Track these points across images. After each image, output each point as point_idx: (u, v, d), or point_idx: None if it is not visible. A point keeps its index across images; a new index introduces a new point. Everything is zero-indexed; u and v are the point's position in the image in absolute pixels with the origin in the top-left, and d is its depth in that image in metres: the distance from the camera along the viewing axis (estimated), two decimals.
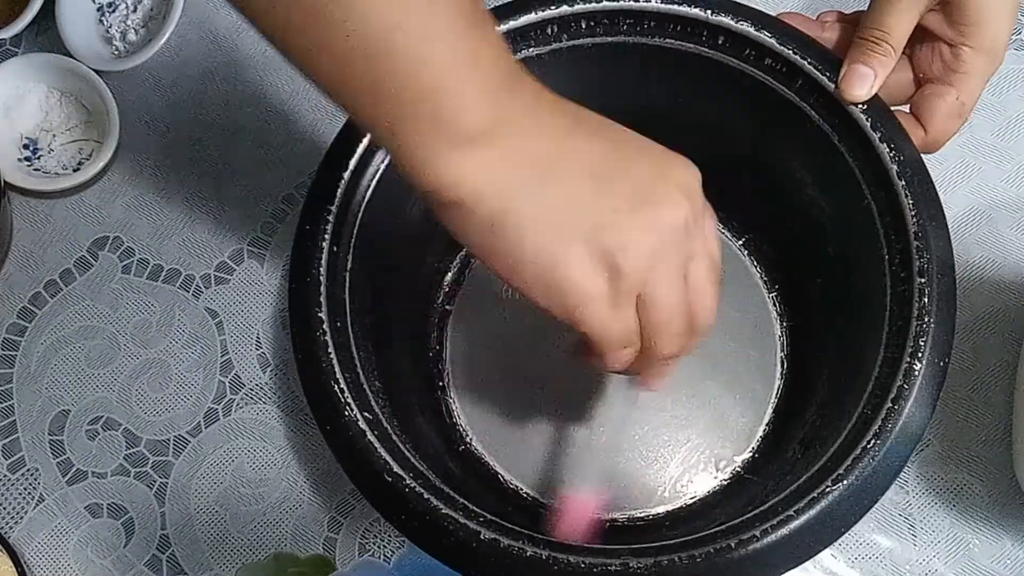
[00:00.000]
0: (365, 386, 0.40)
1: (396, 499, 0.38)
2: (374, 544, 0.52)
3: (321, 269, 0.41)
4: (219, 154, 0.59)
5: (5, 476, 0.55)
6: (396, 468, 0.38)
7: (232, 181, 0.59)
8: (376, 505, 0.39)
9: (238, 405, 0.55)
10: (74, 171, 0.58)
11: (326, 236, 0.41)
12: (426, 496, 0.37)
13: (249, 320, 0.56)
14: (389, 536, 0.52)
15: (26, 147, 0.60)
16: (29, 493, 0.54)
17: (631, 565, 0.35)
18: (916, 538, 0.50)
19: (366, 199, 0.43)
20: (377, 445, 0.38)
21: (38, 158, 0.60)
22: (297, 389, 0.54)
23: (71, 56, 0.59)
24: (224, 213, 0.58)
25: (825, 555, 0.50)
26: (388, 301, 0.48)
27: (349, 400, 0.39)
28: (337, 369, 0.40)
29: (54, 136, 0.60)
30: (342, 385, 0.39)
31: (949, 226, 0.55)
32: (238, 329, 0.56)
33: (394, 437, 0.39)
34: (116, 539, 0.53)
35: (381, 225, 0.45)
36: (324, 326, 0.40)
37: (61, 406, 0.55)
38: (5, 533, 0.53)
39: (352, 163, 0.42)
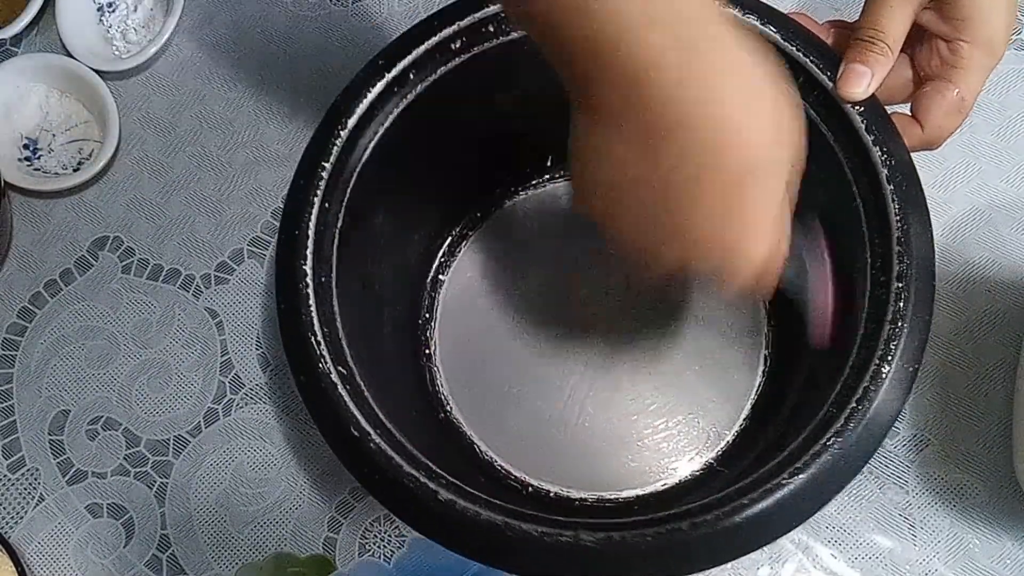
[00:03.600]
0: (343, 343, 0.41)
1: (361, 454, 0.38)
2: (374, 544, 0.52)
3: (310, 224, 0.41)
4: (219, 154, 0.59)
5: (5, 476, 0.55)
6: (364, 423, 0.39)
7: (232, 181, 0.59)
8: (341, 458, 0.39)
9: (238, 405, 0.55)
10: (74, 171, 0.59)
11: (318, 192, 0.42)
12: (390, 453, 0.38)
13: (249, 320, 0.56)
14: (389, 536, 0.52)
15: (26, 147, 0.60)
16: (29, 493, 0.54)
17: (582, 538, 0.36)
18: (916, 538, 0.50)
19: (364, 159, 0.43)
20: (348, 400, 0.39)
21: (38, 158, 0.60)
22: (298, 389, 0.54)
23: (71, 56, 0.59)
24: (224, 213, 0.58)
25: (825, 555, 0.50)
26: (379, 265, 0.48)
27: (324, 353, 0.40)
28: (316, 322, 0.40)
29: (54, 136, 0.60)
30: (319, 338, 0.40)
31: (949, 226, 0.55)
32: (238, 329, 0.56)
33: (366, 394, 0.40)
34: (116, 539, 0.53)
35: (378, 188, 0.45)
36: (307, 279, 0.41)
37: (61, 406, 0.56)
38: (5, 533, 0.53)
39: (351, 122, 0.43)
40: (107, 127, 0.58)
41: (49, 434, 0.55)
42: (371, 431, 0.38)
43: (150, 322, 0.57)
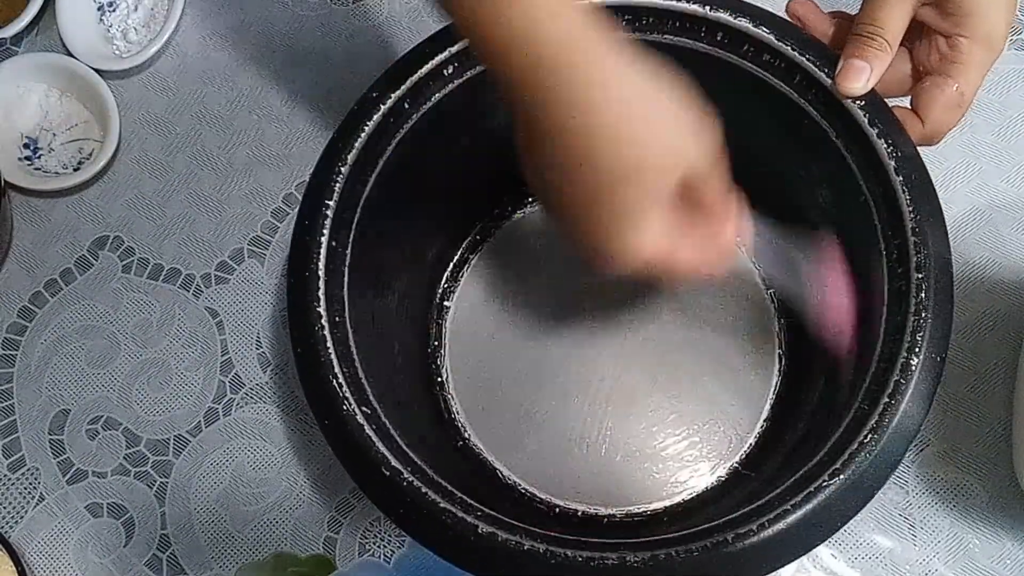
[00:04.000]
0: (363, 381, 0.41)
1: (394, 493, 0.38)
2: (374, 544, 0.52)
3: (320, 264, 0.41)
4: (219, 154, 0.59)
5: (5, 476, 0.55)
6: (394, 462, 0.38)
7: (232, 181, 0.59)
8: (374, 499, 0.39)
9: (238, 405, 0.55)
10: (74, 171, 0.59)
11: (325, 231, 0.42)
12: (424, 490, 0.38)
13: (249, 320, 0.56)
14: (389, 536, 0.52)
15: (26, 146, 0.60)
16: (29, 493, 0.54)
17: (628, 559, 0.36)
18: (916, 538, 0.50)
19: (366, 193, 0.43)
20: (375, 439, 0.39)
21: (38, 157, 0.60)
22: (297, 389, 0.54)
23: (71, 56, 0.59)
24: (224, 213, 0.58)
25: (825, 555, 0.50)
26: (387, 296, 0.48)
27: (347, 395, 0.39)
28: (336, 364, 0.40)
29: (54, 136, 0.60)
30: (340, 380, 0.40)
31: (949, 226, 0.55)
32: (238, 329, 0.56)
33: (392, 432, 0.40)
34: (116, 539, 0.53)
35: (381, 222, 0.45)
36: (323, 320, 0.40)
37: (61, 406, 0.56)
38: (5, 533, 0.53)
39: (351, 158, 0.43)
40: (107, 127, 0.58)
41: (49, 434, 0.55)
42: (402, 470, 0.38)
43: (150, 322, 0.57)
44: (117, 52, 0.61)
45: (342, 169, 0.42)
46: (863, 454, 0.37)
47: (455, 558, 0.37)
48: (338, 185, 0.42)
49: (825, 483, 0.37)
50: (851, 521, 0.49)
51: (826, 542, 0.49)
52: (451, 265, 0.54)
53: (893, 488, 0.50)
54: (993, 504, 0.50)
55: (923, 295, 0.39)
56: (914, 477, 0.51)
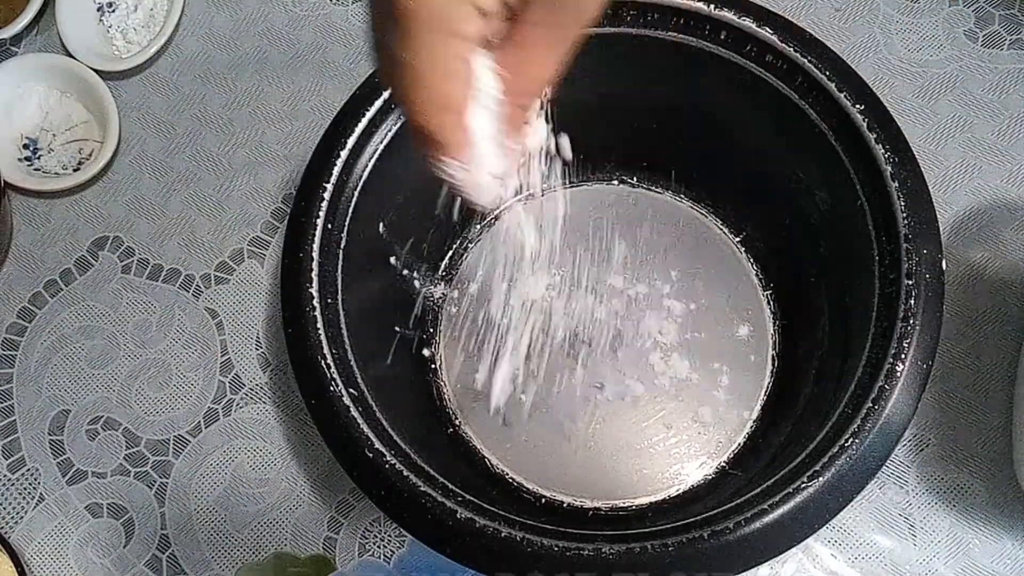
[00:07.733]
0: (352, 363, 0.41)
1: (376, 475, 0.38)
2: (374, 544, 0.52)
3: (314, 245, 0.42)
4: (219, 154, 0.59)
5: (5, 476, 0.55)
6: (377, 444, 0.38)
7: (232, 181, 0.59)
8: (356, 480, 0.39)
9: (238, 405, 0.55)
10: (74, 171, 0.59)
11: (320, 213, 0.42)
12: (405, 473, 0.38)
13: (249, 320, 0.56)
14: (389, 536, 0.52)
15: (26, 147, 0.60)
16: (29, 493, 0.54)
17: (604, 551, 0.36)
18: (916, 538, 0.50)
19: (363, 178, 0.44)
20: (360, 421, 0.39)
21: (38, 158, 0.60)
22: (297, 389, 0.54)
23: (71, 56, 0.59)
24: (224, 213, 0.58)
25: (825, 555, 0.50)
26: (382, 281, 0.48)
27: (335, 376, 0.40)
28: (325, 344, 0.40)
29: (54, 136, 0.60)
30: (329, 361, 0.40)
31: (948, 226, 0.55)
32: (238, 329, 0.56)
33: (378, 414, 0.40)
34: (116, 539, 0.53)
35: (378, 206, 0.45)
36: (314, 301, 0.41)
37: (61, 406, 0.55)
38: (5, 533, 0.53)
39: (350, 142, 0.43)
40: (107, 127, 0.58)
41: (49, 434, 0.55)
42: (385, 452, 0.38)
43: (150, 322, 0.57)
44: (117, 52, 0.61)
45: (341, 152, 0.43)
46: (844, 457, 0.37)
47: (433, 542, 0.38)
48: (336, 168, 0.42)
49: (804, 484, 0.37)
50: (851, 521, 0.50)
51: (826, 542, 0.50)
52: (450, 252, 0.54)
53: (893, 488, 0.50)
54: (993, 504, 0.50)
55: (912, 302, 0.39)
56: (914, 477, 0.51)
